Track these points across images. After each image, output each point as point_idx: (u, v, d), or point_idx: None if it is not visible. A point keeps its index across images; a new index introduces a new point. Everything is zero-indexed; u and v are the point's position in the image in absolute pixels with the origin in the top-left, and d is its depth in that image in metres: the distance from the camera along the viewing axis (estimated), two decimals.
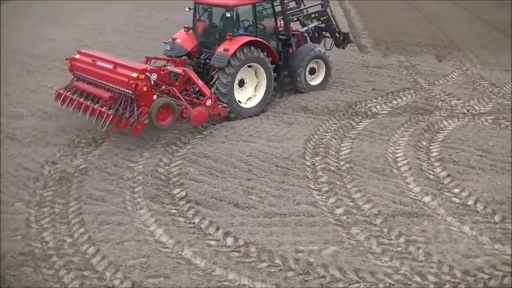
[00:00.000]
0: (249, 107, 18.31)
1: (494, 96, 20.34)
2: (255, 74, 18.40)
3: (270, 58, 18.38)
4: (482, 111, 18.99)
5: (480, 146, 16.04)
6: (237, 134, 16.78)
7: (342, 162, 15.17)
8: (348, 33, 23.09)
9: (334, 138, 16.70)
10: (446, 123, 17.87)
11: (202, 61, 18.53)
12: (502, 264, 11.11)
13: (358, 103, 19.40)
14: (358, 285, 10.52)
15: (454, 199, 13.40)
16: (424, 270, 10.92)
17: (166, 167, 14.88)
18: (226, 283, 10.56)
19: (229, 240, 11.80)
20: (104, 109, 15.62)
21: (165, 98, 16.06)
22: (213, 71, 17.76)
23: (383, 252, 11.47)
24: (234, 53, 17.35)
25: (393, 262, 11.16)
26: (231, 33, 17.73)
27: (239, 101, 18.06)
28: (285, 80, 20.14)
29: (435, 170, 14.80)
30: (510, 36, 29.26)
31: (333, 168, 14.92)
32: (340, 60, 24.32)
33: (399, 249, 11.58)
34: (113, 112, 15.50)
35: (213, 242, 11.79)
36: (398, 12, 35.80)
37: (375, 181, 14.19)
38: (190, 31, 19.18)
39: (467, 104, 19.58)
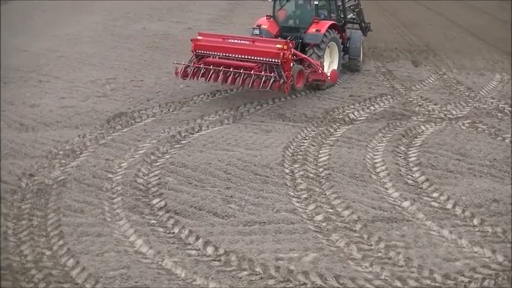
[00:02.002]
0: None
1: (470, 100, 20.49)
2: (330, 53, 22.14)
3: (341, 39, 22.61)
4: (459, 115, 19.11)
5: (458, 150, 16.15)
6: (215, 142, 16.77)
7: (321, 169, 15.20)
8: (369, 23, 26.29)
9: (313, 145, 16.73)
10: (423, 128, 17.97)
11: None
12: (482, 267, 11.17)
13: (336, 109, 19.47)
14: None
15: (433, 203, 13.47)
16: (405, 275, 10.95)
17: (145, 177, 14.82)
18: None
19: (210, 250, 11.78)
20: (263, 73, 18.51)
21: (299, 65, 19.60)
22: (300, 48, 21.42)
23: (363, 258, 11.50)
24: (324, 33, 21.20)
25: (374, 268, 11.18)
26: (318, 18, 21.74)
27: None
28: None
29: (414, 175, 14.87)
30: (486, 41, 29.56)
31: (311, 175, 14.94)
32: None
33: (379, 254, 11.61)
34: (275, 75, 18.34)
35: (193, 252, 11.75)
36: (374, 18, 35.82)
37: (353, 187, 14.23)
38: (271, 19, 22.59)
39: (444, 108, 19.71)
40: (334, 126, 18.19)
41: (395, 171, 15.05)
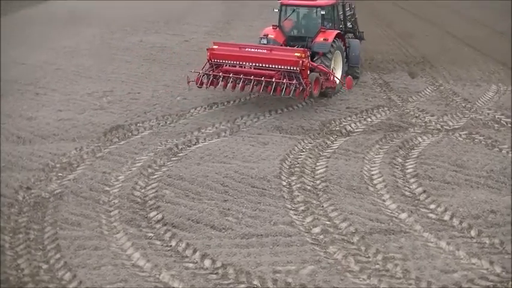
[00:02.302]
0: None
1: (467, 112, 20.52)
2: (334, 61, 22.38)
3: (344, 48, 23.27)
4: (456, 126, 19.14)
5: (455, 162, 16.17)
6: (212, 155, 16.78)
7: (318, 181, 15.20)
8: (363, 32, 26.28)
9: (310, 157, 16.74)
10: (420, 139, 17.99)
11: None
12: (480, 278, 11.18)
13: (333, 121, 19.50)
14: None
15: (430, 215, 13.47)
16: (403, 287, 10.96)
17: (142, 190, 14.81)
18: None
19: (207, 263, 11.76)
20: (284, 81, 19.23)
21: (315, 73, 20.24)
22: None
23: (361, 270, 11.49)
24: (331, 42, 21.79)
25: (371, 280, 11.18)
26: (324, 27, 22.25)
27: None
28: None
29: (411, 187, 14.88)
30: (482, 52, 29.63)
31: (308, 187, 14.94)
32: None
33: (377, 266, 11.60)
34: (296, 83, 19.15)
35: (191, 265, 11.74)
36: (371, 30, 35.91)
37: (351, 199, 14.23)
38: (277, 28, 22.93)
39: (441, 119, 19.74)
40: (331, 138, 18.21)
41: (393, 183, 15.06)
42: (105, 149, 17.40)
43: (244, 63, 20.31)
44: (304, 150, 17.30)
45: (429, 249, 12.11)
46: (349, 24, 25.45)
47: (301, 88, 19.10)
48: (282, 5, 22.99)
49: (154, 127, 19.13)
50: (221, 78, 20.13)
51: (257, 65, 20.10)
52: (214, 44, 21.00)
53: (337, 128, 18.97)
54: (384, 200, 14.22)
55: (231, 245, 12.33)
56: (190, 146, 17.51)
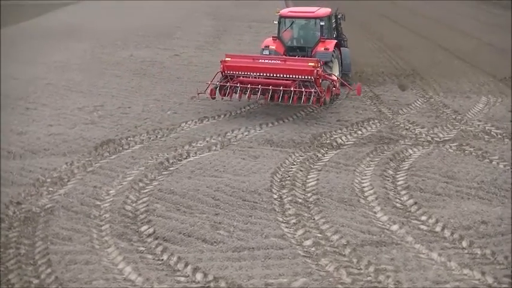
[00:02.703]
0: None
1: (457, 123, 20.60)
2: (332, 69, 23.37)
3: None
4: (446, 138, 19.21)
5: (445, 173, 16.21)
6: (203, 169, 16.77)
7: (309, 194, 15.20)
8: (347, 39, 26.20)
9: (301, 170, 16.74)
10: (411, 151, 18.03)
11: None
12: None
13: (323, 134, 19.53)
14: None
15: (421, 226, 13.49)
16: None
17: (133, 204, 14.78)
18: None
19: (199, 276, 11.73)
20: (303, 90, 20.50)
21: (326, 81, 21.57)
22: None
23: (353, 282, 11.48)
24: (331, 51, 22.92)
25: None
26: (324, 37, 23.34)
27: None
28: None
29: (402, 198, 14.90)
30: (471, 64, 29.79)
31: (300, 200, 14.94)
32: None
33: (369, 278, 11.59)
34: (313, 91, 20.37)
35: (183, 278, 11.71)
36: (361, 43, 36.14)
37: (342, 211, 14.24)
38: (277, 39, 23.85)
39: (432, 131, 19.80)
40: (322, 151, 18.23)
41: (384, 195, 15.08)
42: (96, 163, 17.38)
43: (260, 74, 21.17)
44: (295, 163, 17.31)
45: (421, 261, 12.11)
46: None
47: (317, 96, 20.24)
48: (281, 17, 23.89)
49: (145, 141, 19.12)
50: (239, 89, 21.06)
51: (272, 75, 21.09)
52: (227, 56, 21.75)
53: (328, 141, 19.00)
54: (375, 212, 14.23)
55: (222, 258, 12.30)
56: (181, 160, 17.50)
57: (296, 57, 22.70)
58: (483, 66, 29.26)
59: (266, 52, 23.18)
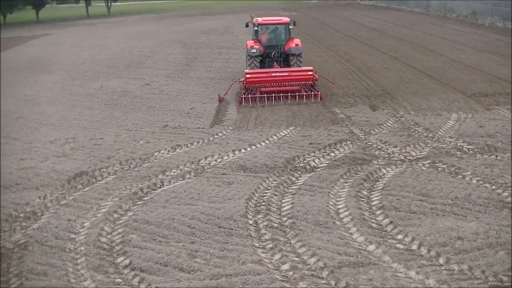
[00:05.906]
0: None
1: (429, 141, 20.73)
2: None
3: None
4: (419, 156, 19.31)
5: (419, 191, 16.28)
6: (178, 197, 16.72)
7: (285, 218, 15.18)
8: None
9: (275, 195, 16.73)
10: (384, 171, 18.10)
11: (274, 55, 30.70)
12: None
13: (297, 158, 19.55)
14: None
15: (398, 245, 13.50)
16: None
17: (109, 236, 14.67)
18: None
19: None
20: (311, 92, 27.66)
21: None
22: (283, 57, 30.77)
23: None
24: (301, 46, 30.65)
25: None
26: (292, 37, 30.80)
27: None
28: None
29: (377, 218, 14.92)
30: (441, 81, 30.10)
31: (275, 224, 14.91)
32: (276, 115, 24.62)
33: None
34: (319, 92, 27.57)
35: None
36: (331, 65, 36.46)
37: (318, 234, 14.22)
38: (257, 41, 30.62)
39: (404, 150, 19.90)
40: (296, 174, 18.24)
41: (359, 215, 15.10)
42: (69, 196, 17.26)
43: (274, 84, 27.80)
44: (269, 188, 17.30)
45: (399, 280, 12.11)
46: None
47: (318, 94, 27.29)
48: (259, 24, 31.06)
49: (118, 172, 19.03)
50: (265, 98, 27.17)
51: (283, 83, 27.85)
52: (247, 73, 28.22)
53: (301, 164, 19.03)
54: (351, 233, 14.23)
55: (200, 287, 12.22)
56: (155, 190, 17.43)
57: (273, 54, 30.32)
58: (452, 83, 29.58)
59: (253, 50, 29.95)
